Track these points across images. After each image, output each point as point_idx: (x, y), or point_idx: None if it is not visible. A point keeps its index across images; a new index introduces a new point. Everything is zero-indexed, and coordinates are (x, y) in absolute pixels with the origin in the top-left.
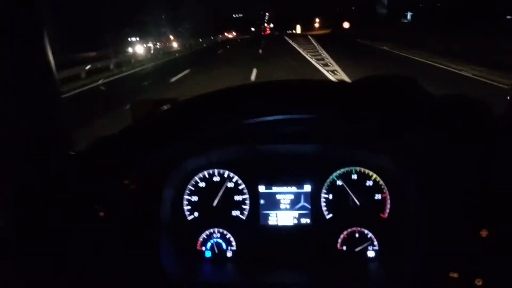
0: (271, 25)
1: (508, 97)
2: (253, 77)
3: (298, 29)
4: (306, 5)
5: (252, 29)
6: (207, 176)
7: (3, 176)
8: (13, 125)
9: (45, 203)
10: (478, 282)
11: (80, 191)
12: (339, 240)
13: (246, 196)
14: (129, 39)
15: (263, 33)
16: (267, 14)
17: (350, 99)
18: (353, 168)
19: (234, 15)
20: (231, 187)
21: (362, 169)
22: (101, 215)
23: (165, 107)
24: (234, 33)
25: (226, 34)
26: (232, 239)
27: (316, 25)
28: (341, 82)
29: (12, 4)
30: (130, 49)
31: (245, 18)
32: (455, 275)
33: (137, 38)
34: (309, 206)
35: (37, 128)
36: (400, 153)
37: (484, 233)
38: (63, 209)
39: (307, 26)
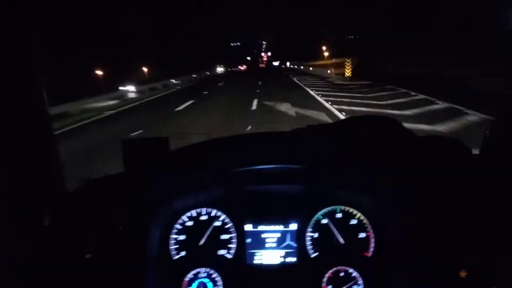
0: (269, 54)
1: (484, 135)
2: None
3: (348, 70)
4: (311, 31)
5: (248, 58)
6: (194, 215)
7: None
8: (4, 164)
9: (33, 244)
10: None
11: (67, 233)
12: (324, 280)
13: (233, 235)
14: None
15: (261, 65)
16: (263, 42)
17: (332, 142)
18: (337, 207)
19: (232, 44)
20: (218, 226)
21: (347, 208)
22: (88, 257)
23: (155, 151)
24: (245, 66)
25: (239, 67)
26: (218, 278)
27: (325, 54)
28: (323, 125)
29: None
30: None
31: (242, 47)
32: None
33: None
34: (295, 245)
35: (29, 168)
36: (381, 193)
37: (463, 273)
38: (50, 250)
39: (312, 56)
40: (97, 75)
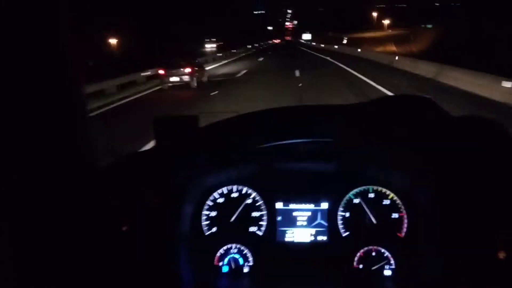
0: (295, 22)
1: None
2: None
3: None
4: None
5: (270, 28)
6: (226, 192)
7: (25, 188)
8: (37, 139)
9: (69, 216)
10: None
11: (103, 206)
12: (356, 258)
13: (264, 212)
14: None
15: (286, 38)
16: (288, 11)
17: (366, 120)
18: (370, 187)
19: (255, 12)
20: (249, 203)
21: (379, 188)
22: (124, 229)
23: (186, 128)
24: (278, 40)
25: (274, 40)
26: (249, 254)
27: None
28: (357, 104)
29: (37, 12)
30: None
31: (266, 15)
32: None
33: None
34: (325, 224)
35: (62, 142)
36: (417, 173)
37: (501, 254)
38: (86, 222)
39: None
40: None
